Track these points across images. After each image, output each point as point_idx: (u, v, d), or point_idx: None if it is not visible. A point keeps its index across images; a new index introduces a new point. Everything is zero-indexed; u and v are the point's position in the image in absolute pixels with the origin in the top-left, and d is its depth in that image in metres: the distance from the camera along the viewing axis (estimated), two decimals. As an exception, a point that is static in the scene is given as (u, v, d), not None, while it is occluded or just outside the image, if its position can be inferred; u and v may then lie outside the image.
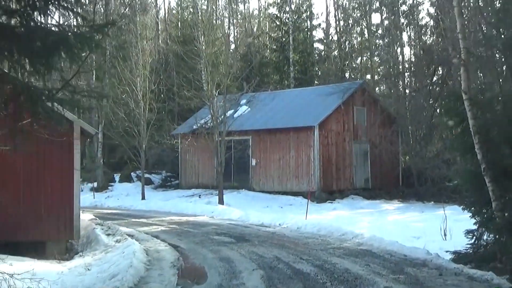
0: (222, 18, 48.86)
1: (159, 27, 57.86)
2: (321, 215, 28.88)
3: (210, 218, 28.54)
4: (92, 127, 18.28)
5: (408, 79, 45.88)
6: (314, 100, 40.87)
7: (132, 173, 46.48)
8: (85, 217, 22.93)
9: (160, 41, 55.19)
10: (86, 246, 18.05)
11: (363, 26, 55.98)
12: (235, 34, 63.33)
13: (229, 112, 38.99)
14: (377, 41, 54.50)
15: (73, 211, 17.76)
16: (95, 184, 44.80)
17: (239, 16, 64.60)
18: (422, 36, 48.86)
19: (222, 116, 36.43)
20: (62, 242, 17.87)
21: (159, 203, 35.12)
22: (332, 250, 17.15)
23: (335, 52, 58.61)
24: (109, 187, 44.98)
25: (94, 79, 45.87)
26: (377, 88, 48.98)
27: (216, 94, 36.28)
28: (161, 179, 47.01)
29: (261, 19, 63.82)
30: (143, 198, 39.38)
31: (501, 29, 20.76)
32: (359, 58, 57.77)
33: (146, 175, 46.28)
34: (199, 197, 38.47)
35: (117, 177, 47.36)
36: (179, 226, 24.49)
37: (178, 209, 32.45)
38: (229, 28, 62.41)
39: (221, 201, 34.64)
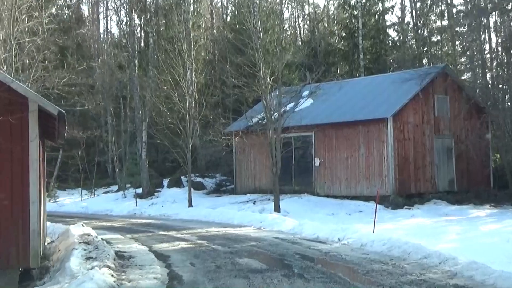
0: (281, 2, 43.19)
1: (214, 16, 52.70)
2: (396, 224, 23.77)
3: (256, 230, 23.25)
4: (54, 106, 12.78)
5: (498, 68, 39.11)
6: (387, 88, 34.96)
7: (182, 177, 41.27)
8: (76, 231, 17.71)
9: (214, 31, 50.01)
10: (53, 274, 12.66)
11: (443, 8, 49.22)
12: (297, 19, 57.55)
13: (289, 106, 33.46)
14: (459, 28, 47.72)
15: (28, 226, 12.38)
16: (140, 190, 39.86)
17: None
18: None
19: (279, 110, 30.89)
20: (13, 272, 12.50)
21: (205, 212, 29.91)
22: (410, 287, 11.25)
23: (411, 38, 52.14)
24: (155, 193, 40.01)
25: (136, 70, 40.82)
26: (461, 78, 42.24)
27: (270, 82, 30.80)
28: (215, 184, 41.75)
29: (327, 2, 57.76)
30: (190, 205, 34.28)
31: None
32: (439, 44, 51.07)
33: (198, 179, 41.48)
34: (254, 204, 33.19)
35: (166, 181, 42.29)
36: (208, 242, 19.03)
37: (223, 219, 27.31)
38: (291, 13, 57.06)
39: (277, 208, 29.30)
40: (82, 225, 20.12)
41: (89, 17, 57.45)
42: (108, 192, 43.75)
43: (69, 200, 41.81)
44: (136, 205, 35.98)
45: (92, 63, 48.90)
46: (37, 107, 12.50)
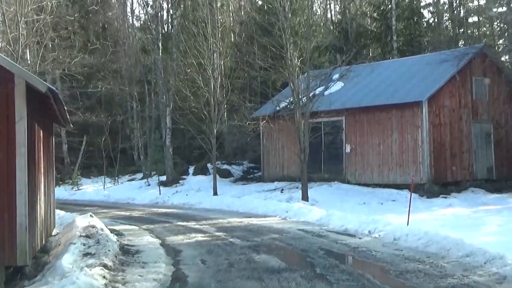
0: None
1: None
2: (431, 215, 22.25)
3: (280, 220, 21.83)
4: (43, 82, 11.28)
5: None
6: (421, 70, 33.01)
7: (209, 164, 39.75)
8: (81, 223, 16.32)
9: (242, 12, 48.30)
10: (46, 272, 11.24)
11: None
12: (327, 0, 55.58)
13: (319, 89, 31.84)
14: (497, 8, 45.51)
15: (14, 220, 10.93)
16: (164, 178, 38.51)
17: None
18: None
19: (307, 94, 29.31)
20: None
21: (229, 200, 28.47)
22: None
23: (447, 19, 49.95)
24: (180, 181, 38.56)
25: (160, 53, 39.34)
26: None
27: (298, 64, 29.30)
28: (242, 171, 40.19)
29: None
30: (215, 193, 32.84)
31: None
32: (476, 25, 48.79)
33: (225, 166, 39.99)
34: (281, 192, 31.67)
35: (191, 169, 40.83)
36: (226, 234, 17.57)
37: (247, 208, 25.88)
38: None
39: (304, 197, 27.78)
40: (91, 215, 18.76)
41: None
42: (132, 180, 42.44)
43: (92, 188, 40.59)
44: (160, 194, 34.67)
45: (116, 47, 47.60)
46: (25, 84, 10.98)
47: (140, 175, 42.42)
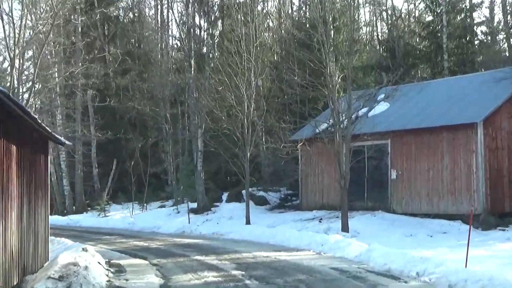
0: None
1: (282, 14, 48.32)
2: (489, 250, 19.29)
3: (314, 255, 19.06)
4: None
5: None
6: (476, 90, 29.98)
7: (244, 191, 36.94)
8: (64, 260, 13.75)
9: (282, 31, 45.64)
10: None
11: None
12: (374, 16, 52.74)
13: (363, 110, 28.97)
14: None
15: None
16: (195, 205, 35.93)
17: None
18: None
19: (348, 114, 26.61)
20: None
21: (259, 231, 25.70)
22: None
23: (502, 38, 46.64)
24: (212, 209, 35.92)
25: (193, 71, 36.85)
26: None
27: (339, 80, 26.65)
28: (279, 198, 37.35)
29: (407, -1, 52.47)
30: (247, 222, 30.21)
31: None
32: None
33: (261, 193, 37.36)
34: (319, 222, 28.84)
35: (225, 196, 38.14)
36: (244, 274, 14.91)
37: (278, 240, 23.17)
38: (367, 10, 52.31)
39: (345, 228, 24.99)
40: (84, 249, 16.11)
41: (149, 19, 53.97)
42: (163, 206, 39.87)
43: (120, 215, 38.25)
44: (188, 222, 32.03)
45: (149, 66, 45.40)
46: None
47: (172, 202, 39.84)
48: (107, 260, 17.90)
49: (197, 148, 36.31)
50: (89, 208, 41.70)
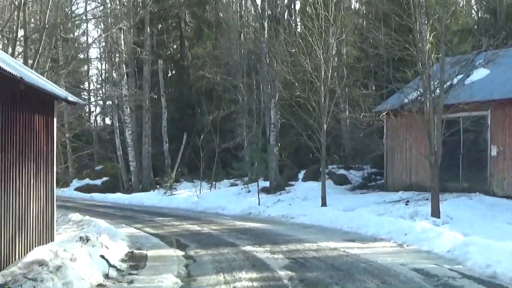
0: None
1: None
2: None
3: (394, 247, 15.33)
4: None
5: None
6: None
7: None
8: (38, 254, 10.20)
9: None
10: None
11: None
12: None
13: (458, 77, 24.68)
14: None
15: None
16: (268, 184, 32.42)
17: None
18: None
19: (441, 80, 22.37)
20: None
21: (333, 214, 21.94)
22: None
23: None
24: (285, 188, 32.30)
25: (266, 32, 33.12)
26: None
27: (430, 39, 22.48)
28: (362, 177, 33.27)
29: None
30: (323, 204, 26.42)
31: None
32: None
33: (341, 171, 33.54)
34: (406, 204, 24.74)
35: (302, 174, 34.41)
36: (295, 274, 11.37)
37: (354, 226, 19.37)
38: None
39: (435, 212, 20.91)
40: (81, 238, 12.71)
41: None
42: (235, 185, 36.36)
43: (188, 194, 34.97)
44: (258, 203, 28.54)
45: (224, 35, 41.91)
46: None
47: (244, 180, 36.31)
48: (131, 251, 14.67)
49: (269, 120, 32.66)
50: (157, 186, 38.71)
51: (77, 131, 42.49)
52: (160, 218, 24.40)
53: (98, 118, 57.47)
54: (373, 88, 30.87)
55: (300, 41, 27.40)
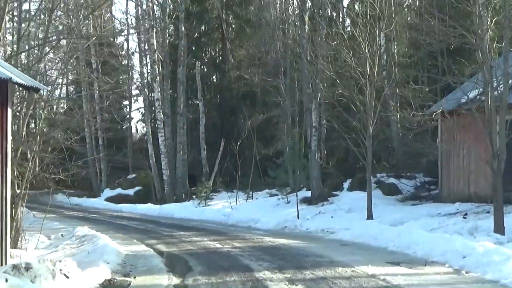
0: None
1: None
2: None
3: (450, 274, 12.36)
4: None
5: None
6: None
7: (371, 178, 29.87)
8: None
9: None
10: None
11: None
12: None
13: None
14: None
15: None
16: (309, 194, 29.41)
17: None
18: None
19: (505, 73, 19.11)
20: None
21: (377, 229, 18.75)
22: None
23: None
24: (329, 198, 29.22)
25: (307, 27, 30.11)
26: None
27: (491, 26, 19.35)
28: (414, 187, 29.93)
29: None
30: (369, 216, 23.45)
31: None
32: None
33: (391, 180, 30.45)
34: (464, 218, 21.61)
35: (347, 183, 31.27)
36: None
37: (401, 243, 16.24)
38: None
39: (499, 228, 18.01)
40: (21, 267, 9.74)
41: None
42: (275, 195, 33.21)
43: (222, 204, 32.07)
44: (297, 215, 25.47)
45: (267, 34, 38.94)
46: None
47: (284, 190, 33.13)
48: (112, 278, 11.78)
49: (310, 123, 29.59)
50: (193, 196, 35.83)
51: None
52: (181, 233, 21.56)
53: (136, 124, 55.19)
54: (425, 83, 27.49)
55: (343, 33, 24.42)
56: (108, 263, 12.73)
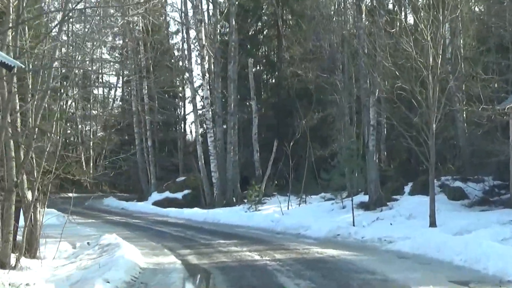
0: None
1: None
2: None
3: None
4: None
5: None
6: None
7: (437, 180, 27.32)
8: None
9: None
10: None
11: None
12: None
13: None
14: None
15: None
16: (366, 198, 27.07)
17: None
18: None
19: None
20: None
21: (441, 239, 16.35)
22: None
23: None
24: (388, 203, 26.79)
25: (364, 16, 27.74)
26: None
27: None
28: (483, 191, 27.18)
29: None
30: (432, 224, 21.09)
31: None
32: None
33: (457, 183, 27.94)
34: (541, 226, 18.77)
35: (408, 186, 28.78)
36: None
37: (468, 258, 13.84)
38: None
39: None
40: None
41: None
42: (331, 199, 30.79)
43: (274, 209, 29.82)
44: (353, 222, 23.07)
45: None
46: None
47: (339, 193, 30.69)
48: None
49: (368, 121, 27.14)
50: (245, 200, 33.72)
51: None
52: (221, 241, 19.45)
53: (190, 125, 53.67)
54: (496, 72, 24.90)
55: (402, 19, 22.05)
56: (108, 282, 10.65)
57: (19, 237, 15.44)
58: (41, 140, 16.39)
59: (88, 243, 18.35)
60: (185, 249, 17.60)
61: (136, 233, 22.25)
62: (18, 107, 14.39)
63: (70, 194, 52.92)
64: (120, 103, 59.82)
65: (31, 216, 15.42)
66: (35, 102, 15.07)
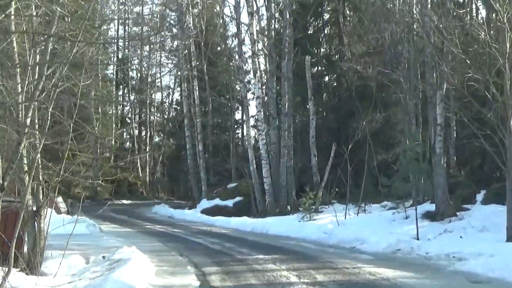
0: None
1: None
2: None
3: None
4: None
5: None
6: None
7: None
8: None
9: None
10: None
11: None
12: None
13: None
14: None
15: None
16: (433, 207, 24.11)
17: None
18: None
19: None
20: None
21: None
22: None
23: None
24: (458, 213, 23.70)
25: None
26: None
27: None
28: None
29: None
30: (509, 238, 17.99)
31: None
32: None
33: (540, 190, 24.12)
34: None
35: (481, 194, 25.78)
36: None
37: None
38: None
39: None
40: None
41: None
42: (394, 208, 27.78)
43: (330, 219, 26.99)
44: (417, 234, 20.08)
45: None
46: None
47: (403, 202, 27.67)
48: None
49: (434, 120, 24.04)
50: (300, 209, 31.03)
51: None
52: (259, 256, 16.79)
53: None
54: None
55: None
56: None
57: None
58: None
59: (103, 256, 15.97)
60: (213, 266, 14.99)
61: (168, 245, 19.83)
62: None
63: (124, 201, 51.97)
64: (178, 107, 58.41)
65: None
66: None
